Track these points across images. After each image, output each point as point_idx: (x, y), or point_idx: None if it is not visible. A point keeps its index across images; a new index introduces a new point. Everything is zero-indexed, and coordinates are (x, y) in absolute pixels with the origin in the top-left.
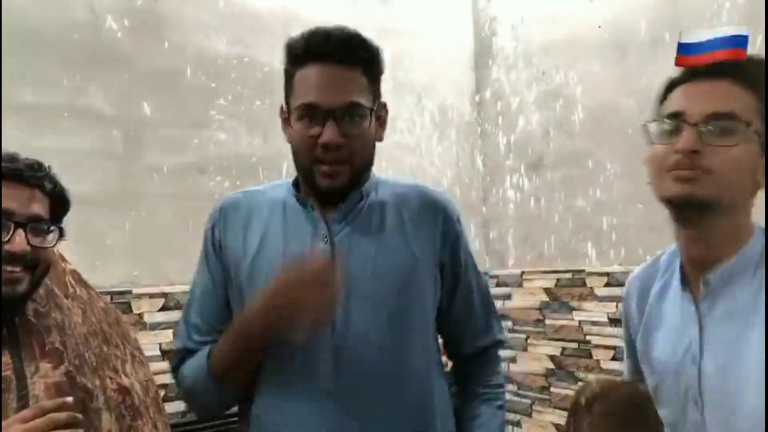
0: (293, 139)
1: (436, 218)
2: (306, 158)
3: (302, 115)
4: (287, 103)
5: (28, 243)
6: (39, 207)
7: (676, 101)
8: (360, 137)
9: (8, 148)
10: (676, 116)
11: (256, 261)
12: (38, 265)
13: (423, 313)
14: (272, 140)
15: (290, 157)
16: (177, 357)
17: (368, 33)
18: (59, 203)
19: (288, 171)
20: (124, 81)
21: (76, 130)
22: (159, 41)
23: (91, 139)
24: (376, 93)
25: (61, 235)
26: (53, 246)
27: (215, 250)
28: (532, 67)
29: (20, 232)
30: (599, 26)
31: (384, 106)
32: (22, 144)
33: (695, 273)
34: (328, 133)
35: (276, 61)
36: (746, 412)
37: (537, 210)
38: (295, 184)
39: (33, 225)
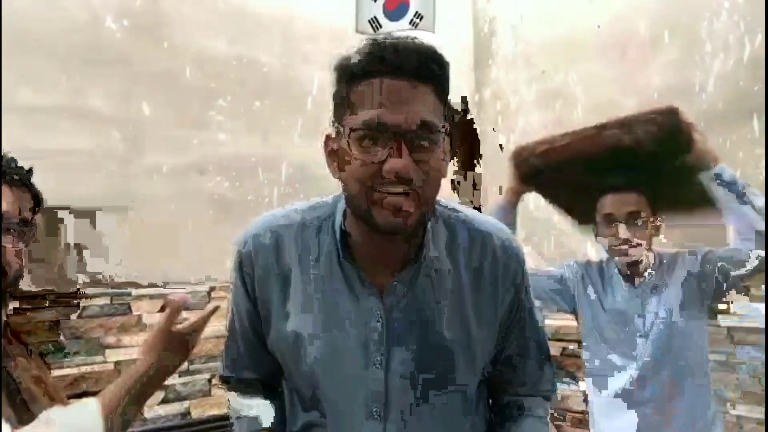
0: (347, 168)
1: (495, 279)
2: (363, 193)
3: (361, 136)
4: (338, 127)
5: (14, 248)
6: (27, 210)
7: (608, 206)
8: (434, 166)
9: (8, 148)
10: (610, 215)
11: (301, 336)
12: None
13: (475, 385)
14: (271, 140)
15: (291, 157)
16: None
17: (367, 32)
18: (38, 202)
19: (287, 171)
20: (123, 81)
21: (76, 131)
22: (158, 42)
23: (91, 140)
24: (444, 118)
25: (34, 234)
26: (28, 246)
27: (249, 297)
28: (531, 67)
29: (9, 239)
30: (599, 26)
31: (450, 136)
32: (22, 145)
33: (633, 277)
34: (397, 158)
35: (275, 61)
36: (675, 333)
37: (536, 209)
38: (343, 224)
39: (22, 229)
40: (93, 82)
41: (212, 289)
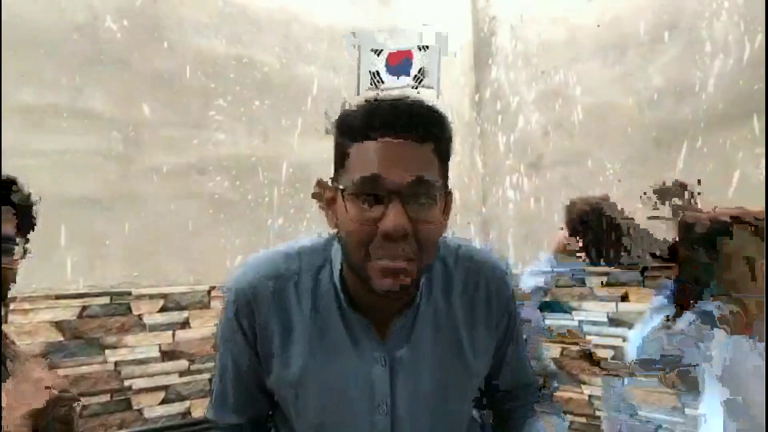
0: (343, 223)
1: (489, 310)
2: (359, 249)
3: (359, 192)
4: (335, 181)
5: None
6: (9, 226)
7: None
8: (430, 224)
9: (8, 148)
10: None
11: (304, 384)
12: (1, 285)
13: (472, 404)
14: (272, 140)
15: (290, 157)
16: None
17: (367, 33)
18: (27, 220)
19: (287, 171)
20: (123, 82)
21: (76, 131)
22: (158, 42)
23: (91, 140)
24: (445, 176)
25: (26, 251)
26: (19, 264)
27: (247, 341)
28: (531, 67)
29: None
30: (598, 26)
31: (451, 194)
32: (22, 145)
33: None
34: (393, 216)
35: (275, 61)
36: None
37: (537, 210)
38: (341, 269)
39: (3, 246)
40: (93, 82)
41: (212, 288)
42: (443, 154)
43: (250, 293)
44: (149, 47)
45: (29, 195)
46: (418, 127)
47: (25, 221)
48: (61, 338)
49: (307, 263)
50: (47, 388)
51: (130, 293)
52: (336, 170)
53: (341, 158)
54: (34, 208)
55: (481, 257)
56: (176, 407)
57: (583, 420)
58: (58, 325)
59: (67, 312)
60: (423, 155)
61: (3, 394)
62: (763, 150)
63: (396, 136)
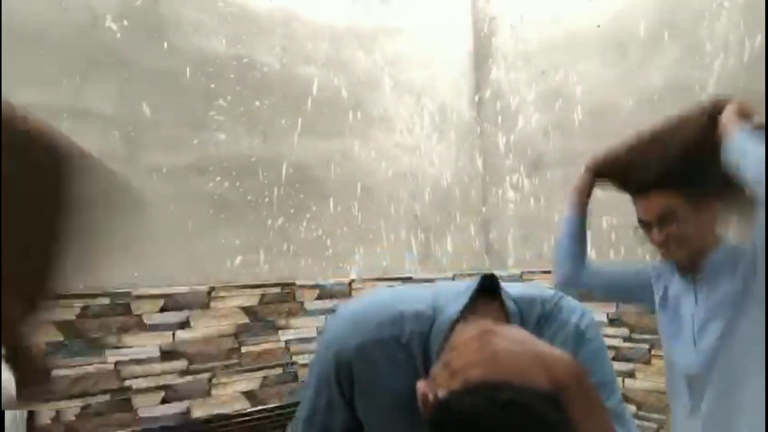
0: None
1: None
2: None
3: None
4: None
5: None
6: None
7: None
8: None
9: None
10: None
11: None
12: None
13: None
14: (272, 140)
15: (291, 157)
16: None
17: (367, 33)
18: None
19: (287, 171)
20: (123, 81)
21: (76, 131)
22: (158, 42)
23: (91, 140)
24: None
25: None
26: None
27: (344, 396)
28: (531, 67)
29: None
30: (598, 26)
31: None
32: None
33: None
34: None
35: (275, 61)
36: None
37: (537, 210)
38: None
39: None
40: (93, 83)
41: (212, 289)
42: None
43: (353, 357)
44: (149, 47)
45: None
46: None
47: None
48: (61, 338)
49: (418, 328)
50: None
51: (129, 293)
52: None
53: None
54: None
55: (553, 306)
56: (176, 407)
57: None
58: (58, 325)
59: (66, 312)
60: None
61: None
62: None
63: None
